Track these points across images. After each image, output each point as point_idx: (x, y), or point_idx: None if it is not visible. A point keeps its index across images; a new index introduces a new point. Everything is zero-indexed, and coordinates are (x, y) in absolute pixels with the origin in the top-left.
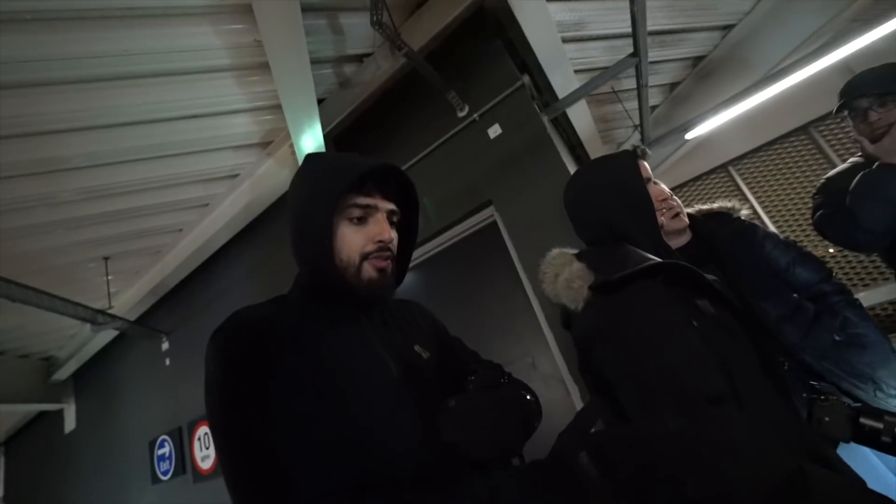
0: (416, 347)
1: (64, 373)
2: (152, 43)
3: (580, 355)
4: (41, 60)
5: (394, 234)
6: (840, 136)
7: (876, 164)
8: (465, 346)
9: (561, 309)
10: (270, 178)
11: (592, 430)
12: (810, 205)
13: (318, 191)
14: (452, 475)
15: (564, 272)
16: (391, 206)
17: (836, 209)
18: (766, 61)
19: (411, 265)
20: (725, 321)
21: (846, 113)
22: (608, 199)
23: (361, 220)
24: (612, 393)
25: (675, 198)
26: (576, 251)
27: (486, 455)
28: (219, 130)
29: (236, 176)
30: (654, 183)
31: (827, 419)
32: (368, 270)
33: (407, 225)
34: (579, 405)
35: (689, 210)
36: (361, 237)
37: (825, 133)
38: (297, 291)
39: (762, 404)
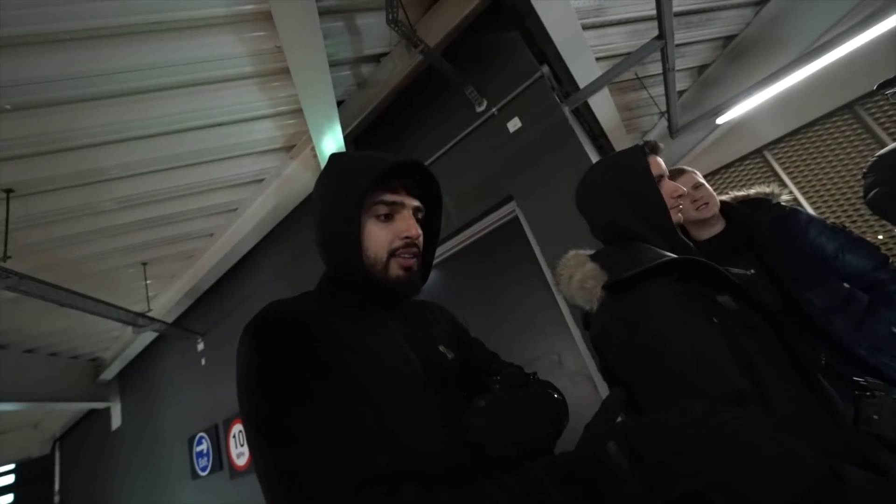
0: (441, 347)
1: (110, 373)
2: (178, 55)
3: (599, 357)
4: (76, 78)
5: (419, 231)
6: (890, 113)
7: None
8: (486, 348)
9: (581, 310)
10: (294, 181)
11: (618, 419)
12: (857, 189)
13: (345, 188)
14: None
15: (577, 273)
16: (417, 203)
17: (895, 186)
18: (803, 38)
19: (433, 263)
20: (749, 317)
21: None
22: (614, 200)
23: (388, 217)
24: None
25: (702, 187)
26: (591, 252)
27: (515, 454)
28: (243, 137)
29: (262, 180)
30: (669, 178)
31: (876, 417)
32: (395, 268)
33: (430, 222)
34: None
35: (724, 197)
36: (388, 234)
37: (873, 110)
38: (324, 288)
39: (790, 403)
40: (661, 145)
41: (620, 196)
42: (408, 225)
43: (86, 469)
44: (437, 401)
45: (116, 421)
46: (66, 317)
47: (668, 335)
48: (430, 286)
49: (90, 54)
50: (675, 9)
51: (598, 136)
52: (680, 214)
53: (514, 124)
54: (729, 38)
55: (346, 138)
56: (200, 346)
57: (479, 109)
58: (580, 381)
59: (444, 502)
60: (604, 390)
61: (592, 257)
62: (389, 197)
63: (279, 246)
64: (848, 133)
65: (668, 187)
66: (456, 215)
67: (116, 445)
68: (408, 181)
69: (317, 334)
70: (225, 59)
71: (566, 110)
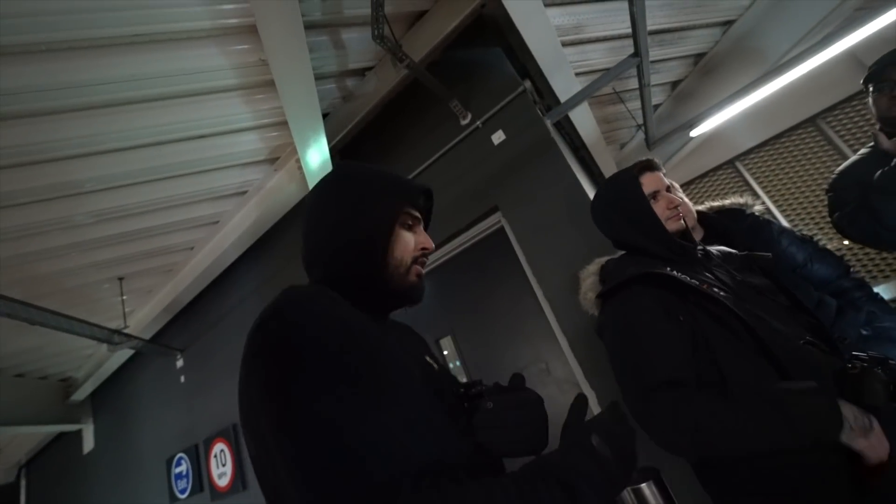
0: (427, 358)
1: (82, 393)
2: (160, 67)
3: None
4: (53, 89)
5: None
6: (849, 126)
7: None
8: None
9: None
10: (278, 193)
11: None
12: (822, 198)
13: (382, 196)
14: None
15: (583, 286)
16: (424, 220)
17: (855, 206)
18: (769, 55)
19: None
20: (718, 314)
21: (872, 85)
22: (614, 218)
23: (411, 228)
24: None
25: (680, 197)
26: (605, 260)
27: (519, 453)
28: (227, 149)
29: (244, 193)
30: (663, 193)
31: (858, 387)
32: (413, 274)
33: None
34: (596, 409)
35: (700, 207)
36: (411, 242)
37: (834, 124)
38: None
39: (753, 380)
40: (657, 161)
41: (619, 215)
42: (426, 238)
43: (54, 496)
44: (430, 401)
45: (89, 444)
46: (36, 335)
47: (633, 332)
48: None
49: (68, 65)
50: (650, 28)
51: (579, 147)
52: (682, 221)
53: (498, 137)
54: (700, 56)
55: (331, 150)
56: (180, 363)
57: (464, 122)
58: (568, 388)
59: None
60: (592, 397)
61: (599, 271)
62: (415, 212)
63: (262, 259)
64: (812, 145)
65: (663, 201)
66: (442, 226)
67: (89, 469)
68: (429, 204)
69: (355, 316)
70: (208, 71)
71: (548, 123)
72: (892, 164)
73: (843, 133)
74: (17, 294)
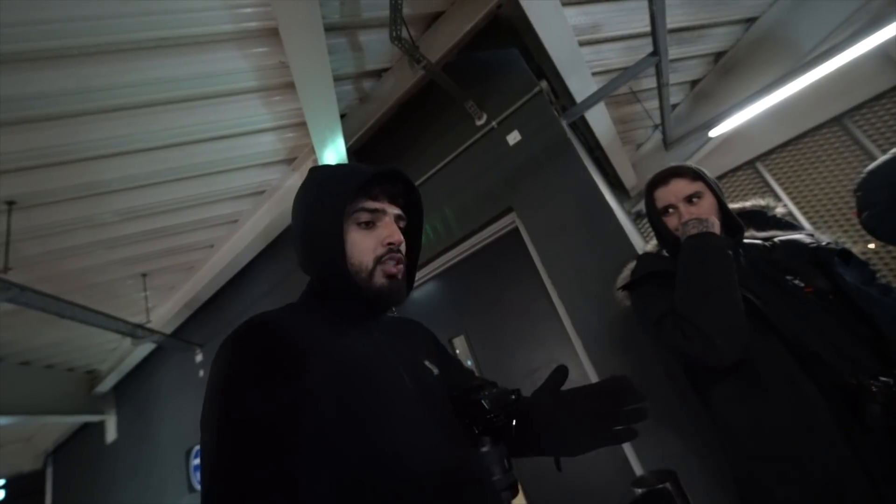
0: (426, 363)
1: (105, 385)
2: (184, 70)
3: None
4: (83, 92)
5: (402, 238)
6: (878, 125)
7: None
8: (463, 366)
9: None
10: (295, 193)
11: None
12: (846, 200)
13: (326, 197)
14: (475, 499)
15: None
16: (398, 211)
17: (886, 206)
18: (793, 53)
19: (434, 274)
20: None
21: None
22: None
23: (370, 225)
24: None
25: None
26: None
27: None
28: (246, 149)
29: (263, 192)
30: (678, 206)
31: (854, 404)
32: (380, 275)
33: (413, 233)
34: None
35: None
36: (372, 241)
37: (861, 123)
38: (308, 299)
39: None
40: (679, 167)
41: (650, 225)
42: (391, 231)
43: (79, 484)
44: (424, 412)
45: (111, 434)
46: (65, 329)
47: (641, 318)
48: (429, 297)
49: (97, 70)
50: (669, 26)
51: (594, 148)
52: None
53: (513, 137)
54: (720, 54)
55: (347, 151)
56: (199, 358)
57: (479, 123)
58: None
59: None
60: None
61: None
62: (371, 204)
63: (278, 257)
64: (837, 145)
65: (676, 216)
66: (456, 226)
67: (111, 459)
68: (390, 190)
69: (300, 346)
70: (229, 73)
71: (564, 124)
72: None
73: (870, 133)
74: (47, 289)
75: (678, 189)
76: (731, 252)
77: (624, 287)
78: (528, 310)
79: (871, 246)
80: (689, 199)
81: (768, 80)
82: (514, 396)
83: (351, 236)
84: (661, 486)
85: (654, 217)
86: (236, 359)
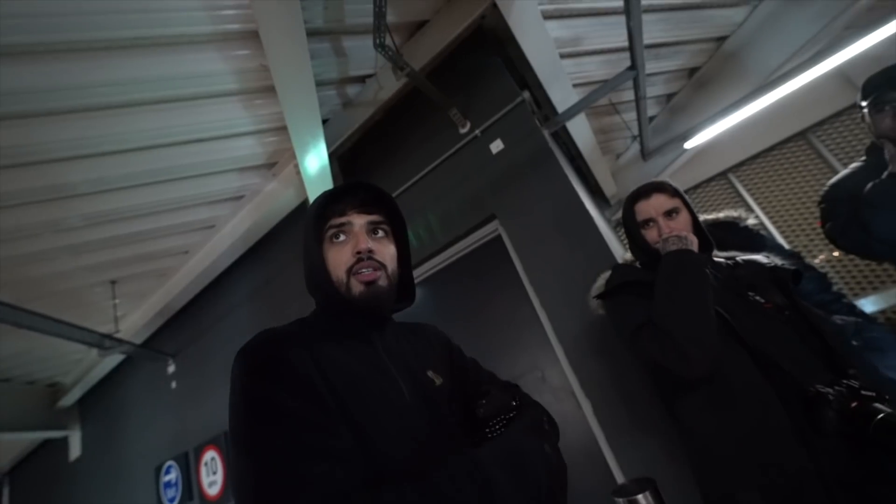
0: (430, 373)
1: (69, 399)
2: (160, 70)
3: None
4: (52, 90)
5: (380, 245)
6: (839, 140)
7: (887, 172)
8: (481, 367)
9: None
10: (275, 198)
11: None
12: (812, 210)
13: (307, 225)
14: None
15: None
16: (370, 218)
17: (847, 218)
18: (761, 70)
19: (418, 280)
20: None
21: (868, 104)
22: (626, 237)
23: (341, 239)
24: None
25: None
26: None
27: None
28: (224, 153)
29: (241, 197)
30: (657, 219)
31: (810, 412)
32: (356, 284)
33: (398, 235)
34: (591, 418)
35: None
36: (343, 254)
37: (823, 138)
38: (315, 315)
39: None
40: (660, 183)
41: (626, 235)
42: (358, 239)
43: None
44: (420, 422)
45: (75, 451)
46: (25, 339)
47: (616, 327)
48: (415, 303)
49: (68, 67)
50: (646, 42)
51: (575, 157)
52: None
53: (496, 146)
54: (694, 69)
55: (330, 156)
56: (171, 369)
57: (463, 131)
58: (564, 396)
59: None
60: (588, 405)
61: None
62: (336, 220)
63: (256, 264)
64: (803, 158)
65: (655, 230)
66: (440, 233)
67: (75, 477)
68: (360, 200)
69: (300, 358)
70: (208, 75)
71: (546, 133)
72: (883, 176)
73: (832, 147)
74: (6, 297)
75: (658, 203)
76: (707, 270)
77: (599, 296)
78: (512, 316)
79: (836, 253)
80: (668, 214)
81: (739, 95)
82: (515, 403)
83: (328, 255)
84: (639, 494)
85: (633, 228)
86: (241, 375)
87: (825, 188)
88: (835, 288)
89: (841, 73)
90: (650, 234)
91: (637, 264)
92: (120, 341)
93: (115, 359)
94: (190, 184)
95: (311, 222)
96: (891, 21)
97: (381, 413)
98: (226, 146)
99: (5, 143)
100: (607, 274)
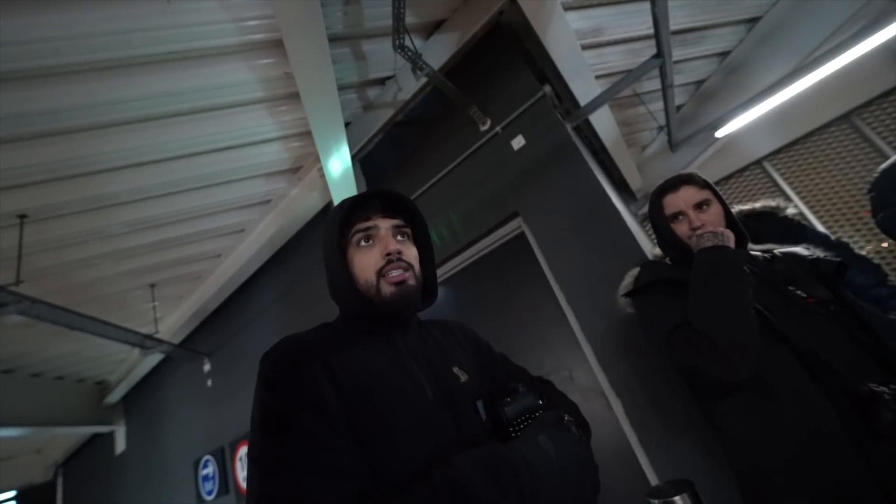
0: (455, 369)
1: (115, 396)
2: (191, 82)
3: None
4: (92, 107)
5: (405, 247)
6: (888, 122)
7: None
8: (510, 363)
9: None
10: (301, 201)
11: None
12: (858, 199)
13: (327, 234)
14: None
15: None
16: (394, 222)
17: None
18: (797, 52)
19: (441, 280)
20: None
21: None
22: (654, 233)
23: (368, 243)
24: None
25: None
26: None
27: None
28: (252, 159)
29: (269, 201)
30: (687, 212)
31: (866, 412)
32: (386, 286)
33: (420, 237)
34: (623, 418)
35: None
36: (372, 257)
37: (870, 120)
38: (338, 320)
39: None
40: (688, 175)
41: (654, 231)
42: (385, 243)
43: (89, 495)
44: (445, 420)
45: (121, 445)
46: (75, 340)
47: (647, 326)
48: (438, 302)
49: (105, 84)
50: (672, 28)
51: (598, 151)
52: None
53: (517, 142)
54: (724, 54)
55: (352, 159)
56: (207, 367)
57: (484, 128)
58: (593, 396)
59: None
60: (618, 405)
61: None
62: (362, 224)
63: (284, 267)
64: (847, 143)
65: (685, 223)
66: (462, 231)
67: (120, 470)
68: (382, 206)
69: (313, 373)
70: (235, 85)
71: (568, 127)
72: None
73: (881, 130)
74: (57, 301)
75: (688, 196)
76: (745, 267)
77: (628, 293)
78: (537, 315)
79: (885, 245)
80: (698, 206)
81: (773, 79)
82: (542, 402)
83: (354, 259)
84: (677, 496)
85: (662, 224)
86: (258, 386)
87: (875, 175)
88: (892, 281)
89: (887, 50)
90: (680, 229)
91: (667, 261)
92: (160, 341)
93: (154, 358)
94: (220, 190)
95: (334, 228)
96: None
97: (401, 414)
98: (253, 152)
99: (53, 159)
100: (636, 271)
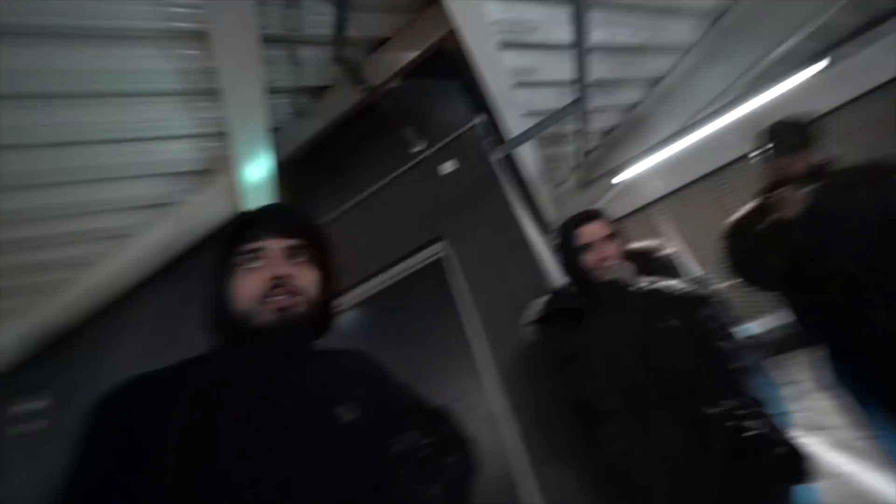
0: (339, 407)
1: None
2: (89, 63)
3: None
4: None
5: (299, 271)
6: (737, 184)
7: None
8: (409, 394)
9: None
10: (206, 209)
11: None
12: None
13: (214, 251)
14: None
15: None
16: (287, 242)
17: (741, 256)
18: (684, 113)
19: (357, 302)
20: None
21: (772, 146)
22: (560, 261)
23: (254, 265)
24: None
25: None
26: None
27: None
28: (152, 156)
29: (166, 205)
30: (597, 244)
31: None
32: (268, 312)
33: (321, 260)
34: (515, 447)
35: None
36: (256, 280)
37: (726, 182)
38: (211, 349)
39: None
40: (600, 210)
41: (563, 258)
42: (273, 266)
43: None
44: (302, 465)
45: None
46: None
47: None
48: (350, 325)
49: None
50: (593, 77)
51: (522, 183)
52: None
53: (447, 167)
54: (633, 107)
55: (277, 167)
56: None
57: (416, 150)
58: (487, 427)
59: None
60: (515, 431)
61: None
62: (248, 245)
63: (176, 280)
64: (711, 197)
65: (595, 253)
66: (383, 252)
67: None
68: (276, 225)
69: (135, 426)
70: (146, 72)
71: (495, 158)
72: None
73: (731, 190)
74: None
75: (598, 230)
76: (635, 296)
77: (530, 322)
78: (446, 341)
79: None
80: (606, 240)
81: (667, 133)
82: (427, 440)
83: (236, 283)
84: None
85: (571, 252)
86: (86, 427)
87: (727, 227)
88: (728, 316)
89: (743, 123)
90: (589, 257)
91: (573, 289)
92: None
93: None
94: (105, 187)
95: (218, 248)
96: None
97: (243, 460)
98: (154, 148)
99: None
100: (543, 299)
